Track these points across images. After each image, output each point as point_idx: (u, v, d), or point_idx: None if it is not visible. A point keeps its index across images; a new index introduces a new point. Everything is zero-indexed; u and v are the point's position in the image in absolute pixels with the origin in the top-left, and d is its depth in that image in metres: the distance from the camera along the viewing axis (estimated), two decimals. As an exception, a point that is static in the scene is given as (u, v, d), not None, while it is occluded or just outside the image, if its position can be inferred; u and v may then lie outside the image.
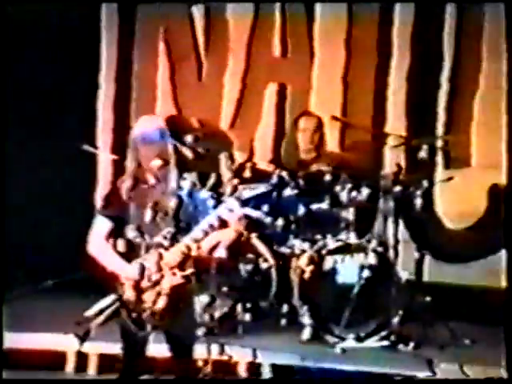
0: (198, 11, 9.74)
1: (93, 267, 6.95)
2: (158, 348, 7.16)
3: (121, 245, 7.05)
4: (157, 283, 6.89)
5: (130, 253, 6.98)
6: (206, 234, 7.03)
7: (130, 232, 7.03)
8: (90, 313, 7.00)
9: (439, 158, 9.42)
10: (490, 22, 9.40)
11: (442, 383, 7.45)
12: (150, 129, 7.31)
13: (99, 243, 6.88)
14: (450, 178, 9.19)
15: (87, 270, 7.14)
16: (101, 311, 6.96)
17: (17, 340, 8.28)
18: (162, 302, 6.94)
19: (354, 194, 8.79)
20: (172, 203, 7.21)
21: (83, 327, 7.19)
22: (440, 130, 9.56)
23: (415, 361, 8.11)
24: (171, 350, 7.06)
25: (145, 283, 6.93)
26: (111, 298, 6.89)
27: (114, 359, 7.49)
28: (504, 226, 7.78)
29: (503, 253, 9.02)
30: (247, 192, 7.21)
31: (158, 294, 6.91)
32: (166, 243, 6.94)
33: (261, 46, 9.69)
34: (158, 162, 7.12)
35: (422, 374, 8.01)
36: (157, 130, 7.32)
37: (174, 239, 7.01)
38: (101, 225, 6.95)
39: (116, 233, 6.98)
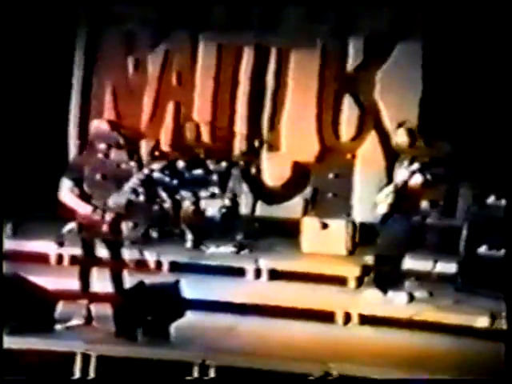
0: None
1: (65, 206, 7.63)
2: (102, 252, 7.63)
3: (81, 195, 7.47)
4: (104, 215, 7.50)
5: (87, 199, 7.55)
6: (132, 188, 7.78)
7: (86, 187, 7.62)
8: (64, 230, 7.56)
9: (265, 146, 9.55)
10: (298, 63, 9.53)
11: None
12: (101, 127, 7.93)
13: (65, 193, 7.37)
14: (270, 158, 9.47)
15: (62, 208, 7.54)
16: (69, 230, 7.52)
17: (19, 244, 8.03)
18: (105, 227, 7.56)
19: (217, 165, 9.23)
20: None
21: (60, 238, 7.52)
22: (265, 129, 9.56)
23: (248, 259, 8.51)
24: (110, 253, 7.46)
25: (96, 216, 7.57)
26: (74, 223, 7.51)
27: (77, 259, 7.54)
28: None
29: (298, 199, 9.21)
30: (155, 165, 8.29)
31: (103, 221, 7.49)
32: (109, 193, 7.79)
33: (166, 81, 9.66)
34: (104, 146, 7.75)
35: (251, 267, 8.31)
36: (104, 128, 7.93)
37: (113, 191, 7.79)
38: (66, 183, 7.39)
39: (77, 187, 7.42)
